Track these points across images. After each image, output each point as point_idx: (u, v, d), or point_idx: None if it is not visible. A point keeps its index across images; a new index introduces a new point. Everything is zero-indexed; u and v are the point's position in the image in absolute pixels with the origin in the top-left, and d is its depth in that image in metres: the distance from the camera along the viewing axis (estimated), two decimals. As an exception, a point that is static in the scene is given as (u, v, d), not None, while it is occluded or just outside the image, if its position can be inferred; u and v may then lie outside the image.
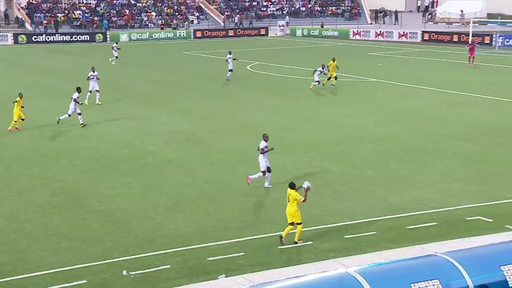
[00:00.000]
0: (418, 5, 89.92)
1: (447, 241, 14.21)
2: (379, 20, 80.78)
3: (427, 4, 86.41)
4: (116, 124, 27.13)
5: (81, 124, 26.38)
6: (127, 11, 77.96)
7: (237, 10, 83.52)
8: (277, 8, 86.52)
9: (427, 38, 62.50)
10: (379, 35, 67.69)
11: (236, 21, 78.88)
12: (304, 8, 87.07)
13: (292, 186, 14.45)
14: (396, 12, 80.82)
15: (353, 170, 20.46)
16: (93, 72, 31.25)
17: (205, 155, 22.20)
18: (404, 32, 65.59)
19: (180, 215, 16.46)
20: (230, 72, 38.53)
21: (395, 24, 78.88)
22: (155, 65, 47.83)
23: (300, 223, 14.43)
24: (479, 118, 27.45)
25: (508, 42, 54.68)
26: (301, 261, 13.69)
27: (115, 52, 47.13)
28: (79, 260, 13.80)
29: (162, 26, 74.99)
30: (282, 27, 77.46)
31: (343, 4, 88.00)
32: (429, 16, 79.31)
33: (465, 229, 15.23)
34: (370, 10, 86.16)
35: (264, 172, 18.21)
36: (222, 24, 78.56)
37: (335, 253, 14.15)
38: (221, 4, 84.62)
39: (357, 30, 70.43)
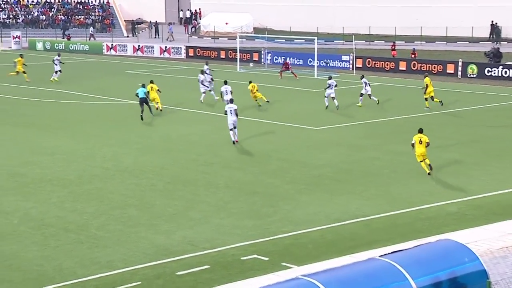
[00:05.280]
0: (181, 16, 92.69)
1: (222, 286, 14.77)
2: (136, 33, 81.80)
3: (188, 16, 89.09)
4: None
5: None
6: None
7: None
8: (8, 15, 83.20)
9: (192, 54, 64.75)
10: (137, 50, 68.63)
11: None
12: (44, 17, 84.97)
13: (421, 130, 23.08)
14: (156, 24, 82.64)
15: (112, 210, 20.34)
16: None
17: None
18: (166, 47, 67.33)
19: None
20: (60, 73, 46.83)
21: (155, 37, 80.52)
22: None
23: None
24: (249, 143, 29.09)
25: (277, 59, 57.88)
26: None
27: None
28: None
29: None
30: (17, 39, 74.73)
31: (92, 13, 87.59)
32: (193, 29, 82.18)
33: (240, 271, 15.94)
34: (125, 21, 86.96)
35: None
36: None
37: (91, 312, 13.93)
38: None
39: (112, 44, 70.60)
